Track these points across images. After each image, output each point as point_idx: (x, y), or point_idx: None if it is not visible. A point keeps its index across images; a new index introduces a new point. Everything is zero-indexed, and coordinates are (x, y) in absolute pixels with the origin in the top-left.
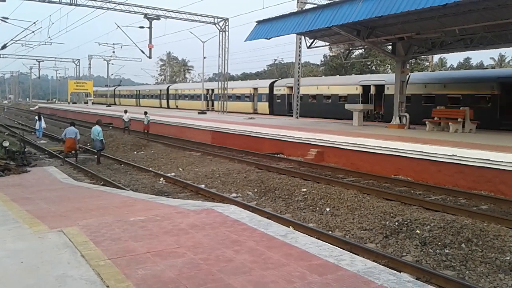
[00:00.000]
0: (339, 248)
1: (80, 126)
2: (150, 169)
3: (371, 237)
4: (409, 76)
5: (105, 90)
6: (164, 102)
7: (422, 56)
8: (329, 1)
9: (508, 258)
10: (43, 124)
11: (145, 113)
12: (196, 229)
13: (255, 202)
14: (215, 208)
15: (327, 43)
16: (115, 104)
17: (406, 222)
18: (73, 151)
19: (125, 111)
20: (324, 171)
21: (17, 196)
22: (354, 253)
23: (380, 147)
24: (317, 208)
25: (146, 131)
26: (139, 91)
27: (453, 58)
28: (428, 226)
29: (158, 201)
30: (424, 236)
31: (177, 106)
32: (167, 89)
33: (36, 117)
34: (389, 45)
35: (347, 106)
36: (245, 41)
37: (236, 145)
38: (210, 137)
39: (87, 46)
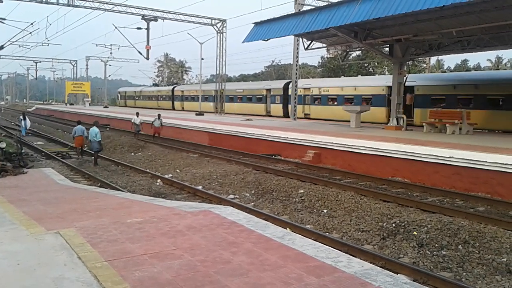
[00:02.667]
0: (336, 250)
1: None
2: (147, 170)
3: (368, 238)
4: (406, 77)
5: (155, 90)
6: (276, 107)
7: (420, 58)
8: (327, 3)
9: (505, 259)
10: (28, 124)
11: (159, 116)
12: (193, 230)
13: (252, 203)
14: (212, 209)
15: (324, 45)
16: (173, 109)
17: (403, 224)
18: (82, 147)
19: (137, 114)
20: (321, 173)
21: (13, 197)
22: (351, 255)
23: (377, 148)
24: (314, 210)
25: (156, 134)
26: (223, 91)
27: (451, 60)
28: (425, 228)
29: (155, 203)
30: (421, 238)
31: (306, 114)
32: (285, 88)
33: (21, 117)
34: (387, 46)
35: (345, 108)
36: (242, 42)
37: (234, 146)
38: (207, 138)
39: (85, 47)
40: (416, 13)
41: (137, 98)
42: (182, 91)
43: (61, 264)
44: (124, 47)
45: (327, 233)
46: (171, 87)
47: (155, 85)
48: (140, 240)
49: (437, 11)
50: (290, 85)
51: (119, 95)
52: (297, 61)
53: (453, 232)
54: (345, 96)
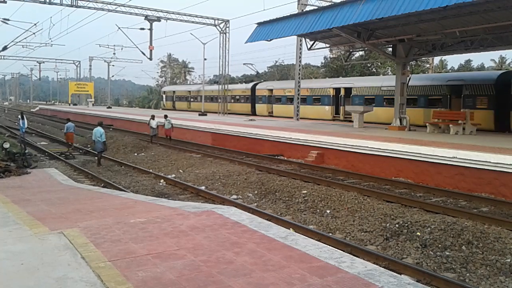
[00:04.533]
0: (339, 250)
1: (80, 127)
2: (151, 170)
3: (371, 239)
4: (410, 77)
5: (214, 89)
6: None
7: (423, 58)
8: (330, 3)
9: (508, 260)
10: (25, 123)
11: (165, 116)
12: (196, 231)
13: (255, 204)
14: (215, 210)
15: (327, 45)
16: (253, 114)
17: (406, 224)
18: (72, 142)
19: (153, 116)
20: (324, 173)
21: (17, 197)
22: (354, 255)
23: (381, 149)
24: (318, 210)
25: (168, 136)
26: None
27: (454, 60)
28: (429, 228)
29: (159, 203)
30: (425, 238)
31: None
32: (503, 80)
33: (19, 116)
34: (390, 47)
35: (348, 108)
36: (245, 42)
37: (237, 147)
38: (210, 138)
39: (88, 48)
40: (419, 13)
41: (192, 100)
42: (271, 90)
43: (64, 264)
44: (127, 48)
45: (330, 234)
46: (249, 85)
47: (216, 82)
48: (143, 240)
49: (440, 11)
50: None
51: (164, 95)
52: (300, 61)
53: (456, 233)
54: None
